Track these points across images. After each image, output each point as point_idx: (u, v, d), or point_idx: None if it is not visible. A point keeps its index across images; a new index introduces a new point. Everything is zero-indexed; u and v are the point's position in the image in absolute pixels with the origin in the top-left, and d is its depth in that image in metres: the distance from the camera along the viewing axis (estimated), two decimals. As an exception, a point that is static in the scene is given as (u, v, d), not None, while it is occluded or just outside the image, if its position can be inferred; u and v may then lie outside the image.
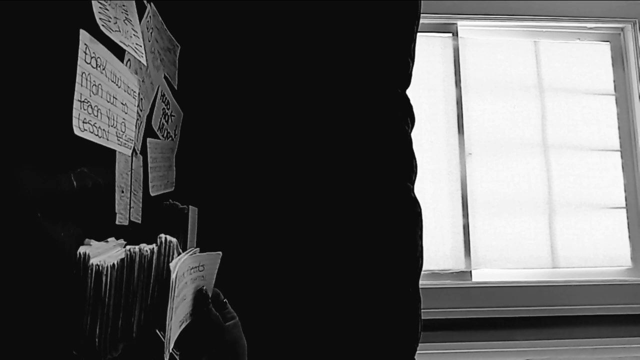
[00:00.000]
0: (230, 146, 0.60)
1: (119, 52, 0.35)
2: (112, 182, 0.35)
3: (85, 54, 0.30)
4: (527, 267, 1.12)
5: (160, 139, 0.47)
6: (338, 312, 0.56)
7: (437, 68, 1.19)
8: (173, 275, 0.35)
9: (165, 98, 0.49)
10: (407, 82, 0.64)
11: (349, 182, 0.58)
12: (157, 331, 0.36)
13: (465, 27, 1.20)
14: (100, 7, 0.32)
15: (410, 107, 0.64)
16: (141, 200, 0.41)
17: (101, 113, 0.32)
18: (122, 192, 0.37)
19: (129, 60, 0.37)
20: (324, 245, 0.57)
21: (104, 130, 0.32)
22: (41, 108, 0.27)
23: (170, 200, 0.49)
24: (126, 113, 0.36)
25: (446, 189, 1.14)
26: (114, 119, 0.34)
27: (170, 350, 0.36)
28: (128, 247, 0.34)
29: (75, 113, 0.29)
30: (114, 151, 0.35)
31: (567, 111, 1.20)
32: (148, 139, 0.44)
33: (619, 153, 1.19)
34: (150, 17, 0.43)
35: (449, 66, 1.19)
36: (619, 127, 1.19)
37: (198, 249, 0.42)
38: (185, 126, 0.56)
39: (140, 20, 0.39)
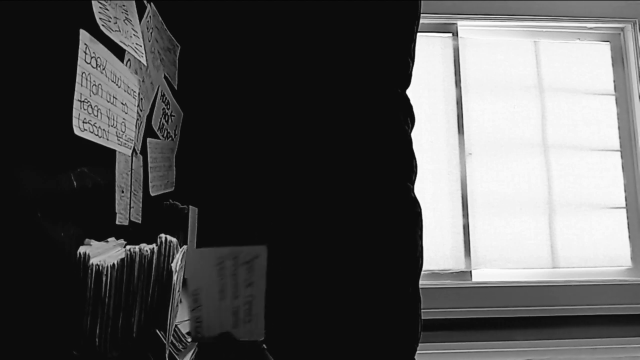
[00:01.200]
0: (230, 146, 0.60)
1: (119, 52, 0.35)
2: (112, 182, 0.35)
3: (85, 53, 0.30)
4: (527, 267, 1.12)
5: (160, 139, 0.47)
6: (338, 312, 0.56)
7: (437, 68, 1.19)
8: (175, 277, 0.35)
9: (165, 98, 0.49)
10: (407, 82, 0.64)
11: (349, 182, 0.58)
12: (157, 331, 0.36)
13: (465, 27, 1.20)
14: (100, 7, 0.32)
15: (410, 107, 0.64)
16: (141, 200, 0.41)
17: (101, 113, 0.32)
18: (122, 192, 0.37)
19: (129, 60, 0.37)
20: (324, 245, 0.57)
21: (104, 130, 0.32)
22: (41, 108, 0.27)
23: (170, 200, 0.49)
24: (126, 113, 0.36)
25: (446, 189, 1.14)
26: (114, 119, 0.34)
27: (169, 348, 0.35)
28: (128, 247, 0.34)
29: (75, 113, 0.29)
30: (114, 151, 0.35)
31: (567, 111, 1.20)
32: (148, 139, 0.44)
33: (619, 153, 1.19)
34: (150, 17, 0.43)
35: (449, 66, 1.19)
36: (619, 127, 1.19)
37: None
38: (185, 126, 0.56)
39: (140, 20, 0.39)
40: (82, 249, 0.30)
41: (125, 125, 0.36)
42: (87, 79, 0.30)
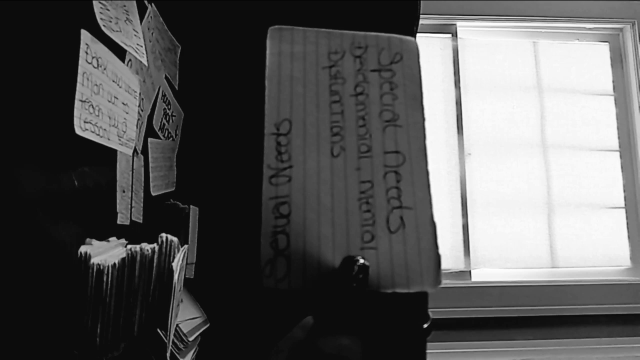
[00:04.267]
0: (231, 146, 0.60)
1: (120, 53, 0.35)
2: (113, 182, 0.35)
3: (87, 53, 0.30)
4: (527, 267, 1.12)
5: (161, 138, 0.47)
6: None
7: (436, 68, 1.19)
8: (175, 276, 0.35)
9: (166, 98, 0.49)
10: (406, 83, 0.64)
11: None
12: (158, 330, 0.36)
13: (465, 27, 1.20)
14: (101, 8, 0.32)
15: (410, 107, 0.64)
16: (142, 200, 0.41)
17: (102, 113, 0.32)
18: (124, 191, 0.37)
19: (130, 60, 0.37)
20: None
21: (105, 130, 0.32)
22: (43, 108, 0.27)
23: (171, 200, 0.49)
24: (127, 113, 0.36)
25: (445, 189, 1.14)
26: (115, 119, 0.34)
27: (171, 347, 0.35)
28: (129, 246, 0.34)
29: (76, 113, 0.29)
30: (115, 151, 0.35)
31: (566, 111, 1.20)
32: (149, 139, 0.44)
33: (617, 153, 1.19)
34: (151, 17, 0.43)
35: (448, 67, 1.19)
36: (617, 127, 1.20)
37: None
38: (186, 126, 0.56)
39: (141, 20, 0.40)
40: (83, 249, 0.30)
41: (126, 125, 0.36)
42: (88, 79, 0.30)
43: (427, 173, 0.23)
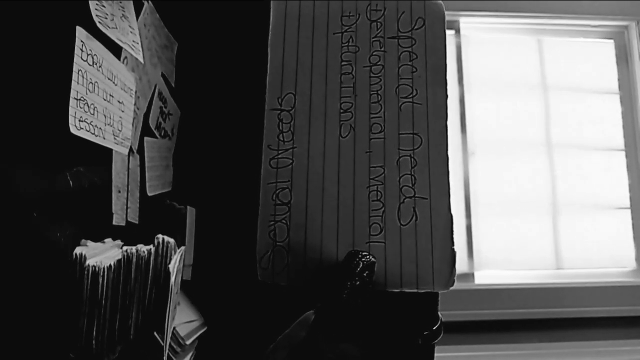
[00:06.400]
0: (229, 145, 0.60)
1: (115, 50, 0.34)
2: (108, 182, 0.34)
3: (82, 51, 0.29)
4: (531, 269, 1.11)
5: (157, 137, 0.47)
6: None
7: (439, 67, 1.17)
8: (172, 278, 0.34)
9: (163, 96, 0.48)
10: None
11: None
12: (154, 333, 0.36)
13: (468, 24, 1.19)
14: (97, 4, 0.32)
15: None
16: (138, 200, 0.41)
17: (97, 111, 0.31)
18: (119, 192, 0.36)
19: (125, 57, 0.36)
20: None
21: (100, 128, 0.32)
22: (37, 106, 0.27)
23: (167, 200, 0.49)
24: (123, 111, 0.35)
25: (448, 189, 1.13)
26: (110, 118, 0.33)
27: (167, 352, 0.35)
28: (125, 247, 0.33)
29: (71, 111, 0.28)
30: (110, 150, 0.34)
31: (571, 110, 1.18)
32: (145, 138, 0.43)
33: (623, 153, 1.17)
34: (147, 14, 0.42)
35: (451, 64, 1.18)
36: (623, 127, 1.18)
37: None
38: (183, 125, 0.55)
39: (137, 17, 0.39)
40: (78, 250, 0.29)
41: (122, 124, 0.35)
42: (83, 77, 0.30)
43: (447, 159, 0.20)
